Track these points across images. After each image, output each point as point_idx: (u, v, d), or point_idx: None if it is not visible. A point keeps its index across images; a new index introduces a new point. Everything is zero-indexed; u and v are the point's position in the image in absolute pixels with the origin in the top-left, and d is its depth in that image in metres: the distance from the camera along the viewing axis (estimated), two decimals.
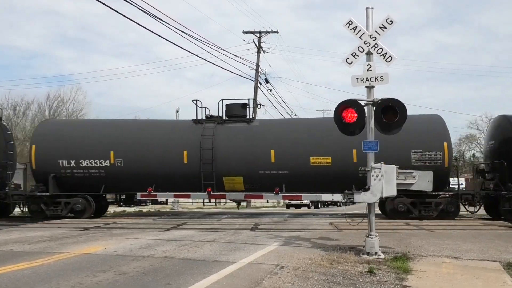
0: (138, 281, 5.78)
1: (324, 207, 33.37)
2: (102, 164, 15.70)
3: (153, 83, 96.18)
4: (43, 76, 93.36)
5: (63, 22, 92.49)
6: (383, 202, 15.04)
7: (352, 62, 8.04)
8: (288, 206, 31.89)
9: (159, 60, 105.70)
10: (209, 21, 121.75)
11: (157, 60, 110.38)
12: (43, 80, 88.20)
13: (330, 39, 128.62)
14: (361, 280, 5.81)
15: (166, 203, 28.38)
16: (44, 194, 16.03)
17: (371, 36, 7.87)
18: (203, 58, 46.05)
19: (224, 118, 16.23)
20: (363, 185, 7.77)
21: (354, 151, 14.38)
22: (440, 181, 14.14)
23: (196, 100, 16.10)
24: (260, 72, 33.74)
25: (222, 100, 16.24)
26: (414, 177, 8.00)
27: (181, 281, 5.71)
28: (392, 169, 7.66)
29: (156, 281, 5.74)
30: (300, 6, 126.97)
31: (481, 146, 44.55)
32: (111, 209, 25.40)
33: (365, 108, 7.83)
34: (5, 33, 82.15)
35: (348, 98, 7.84)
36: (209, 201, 30.44)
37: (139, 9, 13.66)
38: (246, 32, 34.74)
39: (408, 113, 7.57)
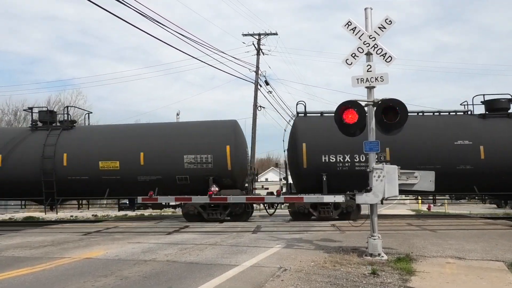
0: (140, 285, 5.75)
1: None
2: None
3: (153, 86, 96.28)
4: (44, 81, 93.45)
5: (63, 26, 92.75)
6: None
7: (351, 63, 8.02)
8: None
9: (160, 63, 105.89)
10: (209, 24, 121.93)
11: (157, 63, 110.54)
12: (44, 85, 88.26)
13: (330, 40, 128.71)
14: (364, 282, 5.78)
15: None
16: None
17: (371, 37, 7.85)
18: (203, 61, 46.08)
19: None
20: None
21: None
22: None
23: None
24: (260, 74, 33.73)
25: None
26: (416, 177, 7.96)
27: (183, 285, 5.68)
28: (393, 169, 7.62)
29: (158, 285, 5.70)
30: (299, 7, 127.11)
31: None
32: (113, 213, 25.43)
33: (366, 108, 7.81)
34: (6, 38, 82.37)
35: (349, 99, 7.83)
36: None
37: (139, 13, 13.66)
38: (245, 35, 34.75)
39: None
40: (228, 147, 15.67)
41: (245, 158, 17.08)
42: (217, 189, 15.29)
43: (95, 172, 15.93)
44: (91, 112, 18.83)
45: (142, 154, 15.82)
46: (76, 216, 24.96)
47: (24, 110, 17.58)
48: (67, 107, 18.12)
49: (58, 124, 17.76)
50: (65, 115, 17.84)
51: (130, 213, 25.31)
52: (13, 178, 16.22)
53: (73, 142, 16.54)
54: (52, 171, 16.03)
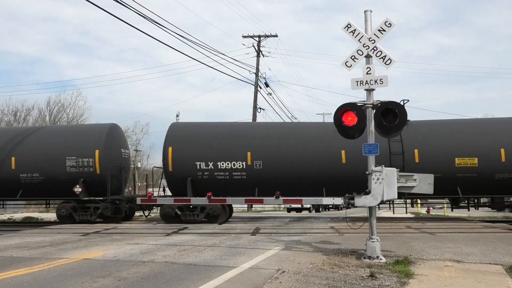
0: (138, 286, 5.74)
1: (325, 210, 33.36)
2: None
3: (154, 88, 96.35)
4: (44, 81, 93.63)
5: (64, 28, 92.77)
6: None
7: (351, 65, 8.04)
8: (289, 210, 31.83)
9: (160, 65, 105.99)
10: (209, 26, 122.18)
11: (157, 65, 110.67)
12: (44, 86, 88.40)
13: (330, 42, 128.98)
14: (362, 284, 5.78)
15: None
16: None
17: (370, 39, 7.87)
18: (203, 63, 46.23)
19: None
20: None
21: None
22: None
23: None
24: (260, 76, 33.78)
25: None
26: (415, 180, 7.96)
27: (181, 287, 5.69)
28: (392, 172, 7.63)
29: (156, 287, 5.70)
30: (300, 9, 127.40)
31: None
32: None
33: (365, 111, 7.82)
34: (6, 39, 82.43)
35: (348, 101, 7.84)
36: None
37: (140, 15, 13.69)
38: (245, 37, 34.82)
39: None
40: None
41: None
42: None
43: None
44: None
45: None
46: None
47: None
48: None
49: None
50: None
51: None
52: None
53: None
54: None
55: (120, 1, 12.48)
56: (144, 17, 13.94)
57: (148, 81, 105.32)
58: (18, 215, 25.41)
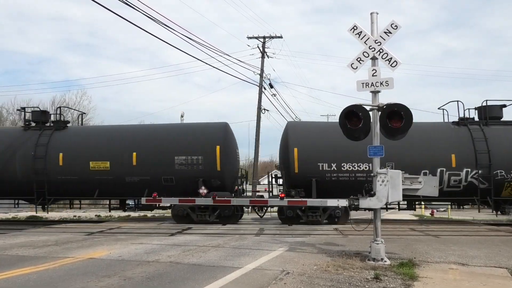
0: (143, 286, 5.77)
1: None
2: None
3: (159, 88, 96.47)
4: (50, 81, 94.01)
5: (71, 27, 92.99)
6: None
7: (357, 67, 8.05)
8: None
9: (166, 65, 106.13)
10: (215, 26, 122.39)
11: (163, 65, 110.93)
12: (50, 85, 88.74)
13: (336, 43, 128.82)
14: (367, 286, 5.78)
15: None
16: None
17: (376, 41, 7.87)
18: (208, 64, 46.14)
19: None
20: None
21: None
22: None
23: None
24: (265, 77, 33.75)
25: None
26: (420, 182, 7.96)
27: (186, 287, 5.71)
28: (397, 174, 7.63)
29: (161, 286, 5.73)
30: (305, 10, 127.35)
31: None
32: (116, 213, 25.48)
33: (371, 113, 7.82)
34: (14, 38, 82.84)
35: (354, 103, 7.84)
36: None
37: (146, 16, 13.74)
38: (250, 37, 34.74)
39: None
40: None
41: None
42: None
43: None
44: None
45: None
46: (79, 216, 25.06)
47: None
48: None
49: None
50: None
51: (133, 214, 25.38)
52: None
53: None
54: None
55: (127, 2, 12.53)
56: (151, 18, 13.98)
57: (154, 81, 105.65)
58: (22, 214, 25.54)
